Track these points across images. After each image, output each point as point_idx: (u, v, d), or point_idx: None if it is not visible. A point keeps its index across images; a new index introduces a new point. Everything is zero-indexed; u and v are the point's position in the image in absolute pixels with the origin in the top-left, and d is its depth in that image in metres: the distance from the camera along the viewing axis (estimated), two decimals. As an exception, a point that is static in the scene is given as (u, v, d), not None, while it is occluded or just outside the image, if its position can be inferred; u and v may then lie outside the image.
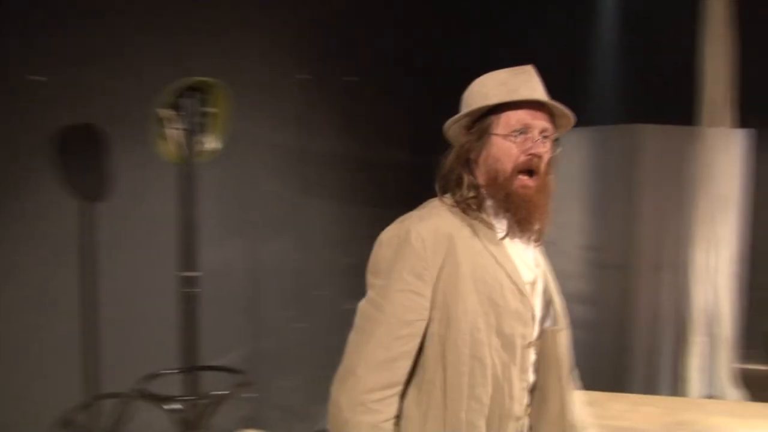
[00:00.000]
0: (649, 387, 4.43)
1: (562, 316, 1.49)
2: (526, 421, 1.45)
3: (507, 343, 1.35)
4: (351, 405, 1.28)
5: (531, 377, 1.45)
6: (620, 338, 4.56)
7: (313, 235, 4.57)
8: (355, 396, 1.28)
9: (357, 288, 1.51)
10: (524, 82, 1.40)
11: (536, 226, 1.42)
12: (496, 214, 1.41)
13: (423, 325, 1.34)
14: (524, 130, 1.38)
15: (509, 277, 1.36)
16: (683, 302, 4.00)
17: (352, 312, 1.40)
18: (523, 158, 1.37)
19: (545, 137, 1.40)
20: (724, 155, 3.89)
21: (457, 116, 1.43)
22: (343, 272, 4.54)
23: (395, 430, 1.34)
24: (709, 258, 4.06)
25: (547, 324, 1.49)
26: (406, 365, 1.33)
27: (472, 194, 1.40)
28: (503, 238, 1.40)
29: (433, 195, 1.48)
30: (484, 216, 1.40)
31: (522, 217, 1.38)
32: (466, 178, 1.41)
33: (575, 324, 4.59)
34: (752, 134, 4.47)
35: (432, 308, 1.33)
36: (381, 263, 1.36)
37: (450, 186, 1.43)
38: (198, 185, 2.99)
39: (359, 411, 1.27)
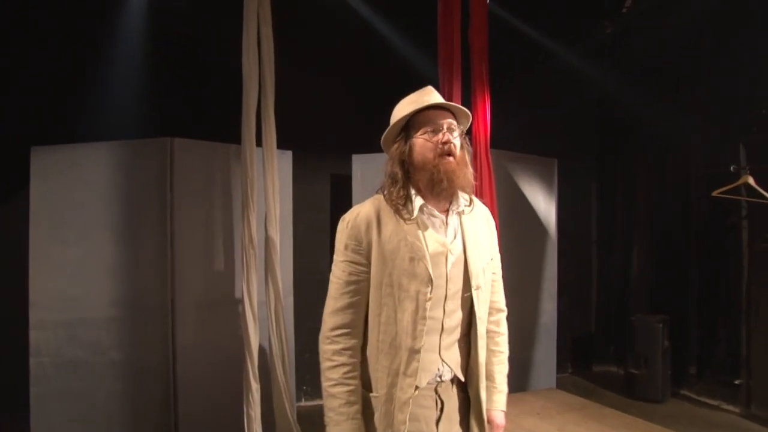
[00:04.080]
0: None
1: (473, 280, 1.87)
2: (434, 357, 1.84)
3: (406, 296, 1.80)
4: (322, 339, 1.87)
5: (445, 324, 1.84)
6: (167, 393, 3.82)
7: None
8: (324, 333, 1.87)
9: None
10: (426, 95, 1.89)
11: (457, 196, 1.89)
12: (424, 196, 1.86)
13: (363, 284, 1.85)
14: (434, 128, 1.84)
15: (413, 249, 1.81)
16: (239, 344, 3.44)
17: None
18: (439, 147, 1.81)
19: (451, 129, 1.85)
20: (267, 174, 3.55)
21: (387, 131, 1.92)
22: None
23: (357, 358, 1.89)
24: (265, 291, 3.62)
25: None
26: (354, 312, 1.86)
27: (399, 190, 1.85)
28: (418, 219, 1.85)
29: None
30: (405, 204, 1.85)
31: (446, 187, 1.82)
32: (400, 177, 1.85)
33: (111, 378, 3.66)
34: (288, 156, 4.35)
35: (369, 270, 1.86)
36: (336, 243, 1.90)
37: (386, 183, 1.88)
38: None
39: (325, 342, 1.86)
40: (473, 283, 1.87)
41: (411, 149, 1.84)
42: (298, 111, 4.71)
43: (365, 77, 5.08)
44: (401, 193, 1.85)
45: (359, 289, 1.85)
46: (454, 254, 1.86)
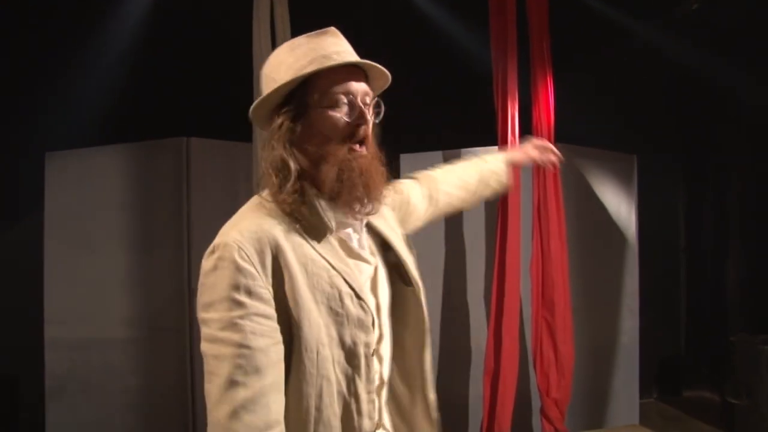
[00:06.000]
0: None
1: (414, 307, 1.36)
2: None
3: (350, 355, 1.21)
4: None
5: (381, 387, 1.31)
6: (185, 424, 3.46)
7: None
8: None
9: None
10: (333, 45, 1.23)
11: (369, 201, 1.25)
12: (330, 199, 1.24)
13: (280, 348, 1.14)
14: (345, 97, 1.22)
15: (346, 281, 1.22)
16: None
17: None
18: (349, 129, 1.21)
19: (365, 102, 1.25)
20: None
21: (263, 96, 1.23)
22: None
23: None
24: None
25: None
26: (276, 400, 1.12)
27: (294, 188, 1.20)
28: (333, 234, 1.25)
29: None
30: (309, 213, 1.22)
31: (360, 192, 1.22)
32: (293, 166, 1.20)
33: (125, 407, 3.37)
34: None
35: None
36: (211, 293, 1.13)
37: (270, 181, 1.22)
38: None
39: None
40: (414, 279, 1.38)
41: (307, 128, 1.22)
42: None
43: (410, 62, 4.53)
44: (297, 196, 1.22)
45: (274, 359, 1.14)
46: (381, 271, 1.36)
